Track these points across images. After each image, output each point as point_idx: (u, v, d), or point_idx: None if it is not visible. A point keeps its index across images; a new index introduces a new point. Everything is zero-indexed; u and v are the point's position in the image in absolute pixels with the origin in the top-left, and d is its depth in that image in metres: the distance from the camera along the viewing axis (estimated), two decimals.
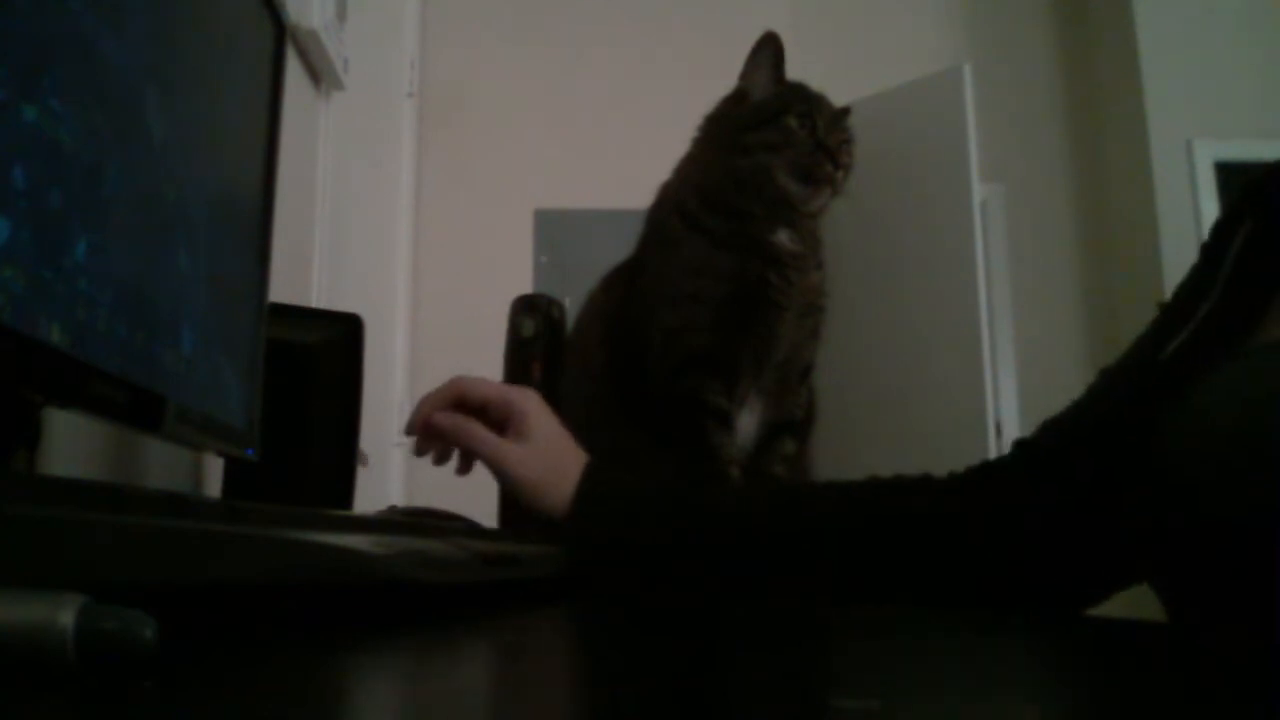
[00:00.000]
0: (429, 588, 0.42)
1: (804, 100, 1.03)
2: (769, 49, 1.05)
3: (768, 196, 1.00)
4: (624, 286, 1.06)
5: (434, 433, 0.77)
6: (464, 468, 0.79)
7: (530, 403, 0.78)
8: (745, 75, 1.05)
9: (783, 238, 1.01)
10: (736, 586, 0.73)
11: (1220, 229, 0.68)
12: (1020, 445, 0.74)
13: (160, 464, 0.96)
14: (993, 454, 2.49)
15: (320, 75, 1.82)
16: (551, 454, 0.76)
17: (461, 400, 0.78)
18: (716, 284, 0.99)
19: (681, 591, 0.73)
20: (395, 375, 2.82)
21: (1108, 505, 0.64)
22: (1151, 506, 0.59)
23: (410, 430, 0.78)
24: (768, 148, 1.00)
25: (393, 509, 0.88)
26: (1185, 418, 0.57)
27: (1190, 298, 0.65)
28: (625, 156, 2.90)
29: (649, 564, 0.74)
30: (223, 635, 0.31)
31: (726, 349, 0.98)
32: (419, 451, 0.79)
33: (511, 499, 0.79)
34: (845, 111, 1.08)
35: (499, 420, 0.77)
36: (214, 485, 1.01)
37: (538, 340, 1.10)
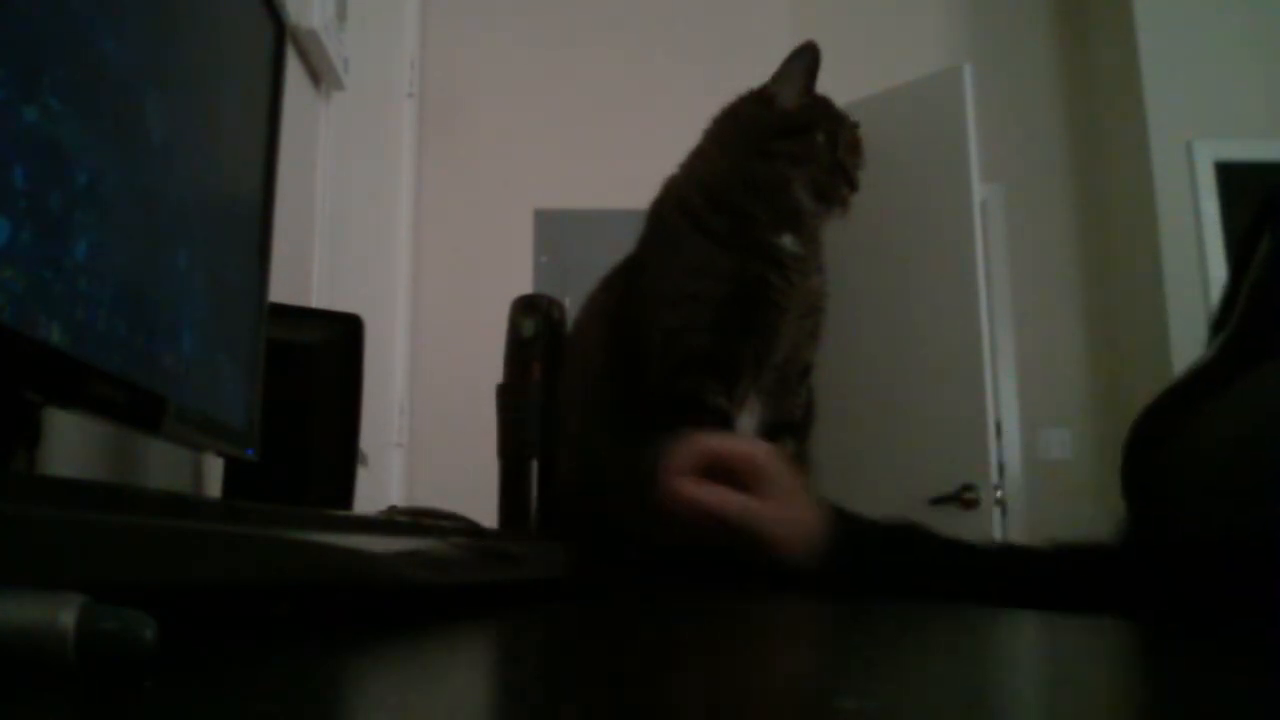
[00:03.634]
0: (429, 588, 0.42)
1: (832, 118, 1.03)
2: (806, 58, 1.03)
3: (779, 206, 1.00)
4: (624, 286, 1.06)
5: (693, 507, 0.76)
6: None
7: (770, 458, 0.78)
8: (777, 79, 1.04)
9: (786, 241, 1.01)
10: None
11: (1242, 244, 0.67)
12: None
13: (160, 464, 0.96)
14: (993, 454, 2.50)
15: (320, 75, 1.82)
16: (793, 506, 0.76)
17: (704, 460, 0.77)
18: (717, 284, 0.99)
19: (680, 591, 0.73)
20: (395, 375, 2.82)
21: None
22: (1157, 520, 0.60)
23: (671, 507, 0.76)
24: (791, 159, 1.00)
25: (393, 509, 0.87)
26: (1192, 434, 0.57)
27: (1220, 316, 0.65)
28: (625, 156, 2.90)
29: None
30: (223, 635, 0.31)
31: (726, 349, 0.98)
32: (687, 533, 0.77)
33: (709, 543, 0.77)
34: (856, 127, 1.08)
35: (733, 473, 0.77)
36: (214, 485, 1.01)
37: (538, 340, 1.10)
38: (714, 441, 0.79)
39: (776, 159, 1.00)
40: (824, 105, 1.05)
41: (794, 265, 1.01)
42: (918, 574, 0.75)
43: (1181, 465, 0.57)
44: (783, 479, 0.77)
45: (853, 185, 1.02)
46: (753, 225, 1.00)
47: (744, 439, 0.80)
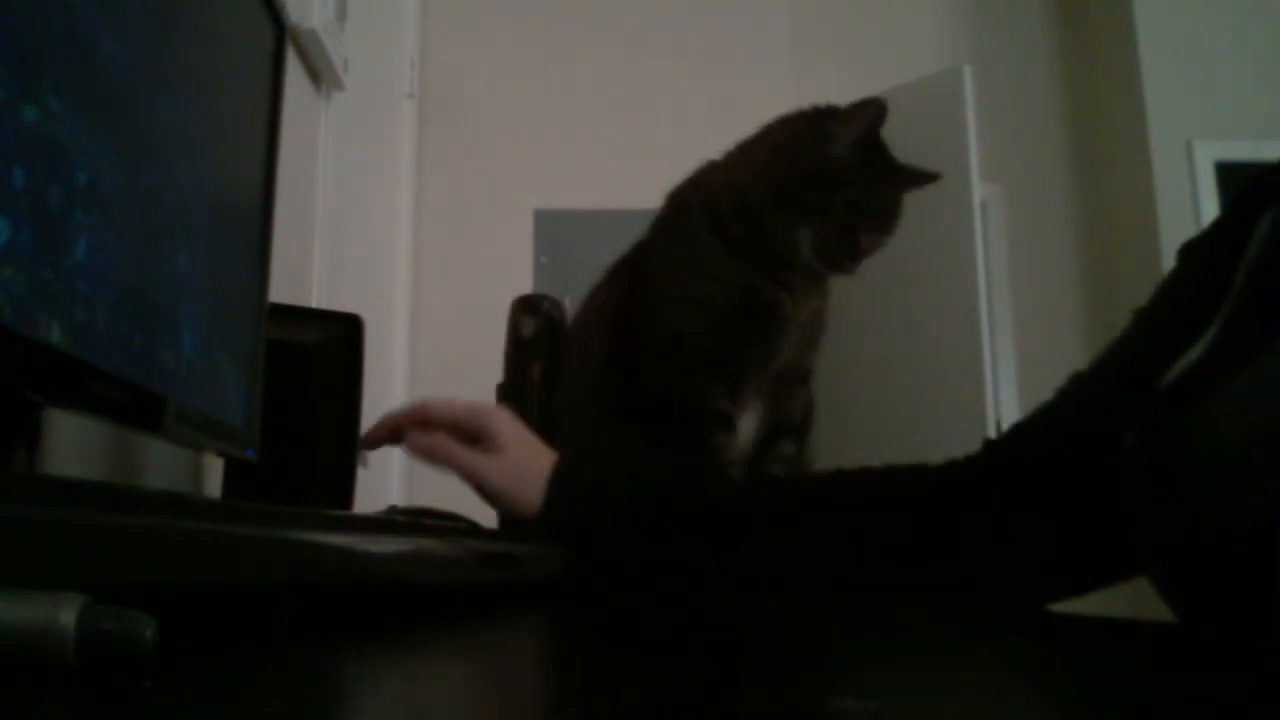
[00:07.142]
0: (429, 588, 0.42)
1: (873, 182, 1.01)
2: (870, 113, 1.00)
3: (787, 244, 0.99)
4: (629, 281, 1.06)
5: (413, 452, 0.82)
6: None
7: (498, 416, 0.82)
8: (844, 119, 1.01)
9: (803, 240, 1.00)
10: (698, 576, 0.76)
11: (1220, 237, 0.67)
12: (988, 445, 0.76)
13: (160, 464, 0.96)
14: None
15: (320, 75, 1.82)
16: (522, 459, 0.80)
17: (427, 421, 0.82)
18: (723, 290, 0.98)
19: (677, 591, 0.73)
20: (395, 375, 2.82)
21: (1076, 513, 0.67)
22: (1157, 517, 0.59)
23: (366, 444, 0.87)
24: (814, 211, 0.98)
25: (393, 509, 0.88)
26: (1196, 429, 0.57)
27: (1193, 308, 0.64)
28: (625, 156, 2.91)
29: (618, 555, 0.77)
30: (223, 635, 0.31)
31: (729, 354, 0.98)
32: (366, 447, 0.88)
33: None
34: (931, 177, 1.08)
35: (470, 437, 0.81)
36: (214, 485, 1.01)
37: (538, 340, 1.10)
38: (437, 405, 0.83)
39: (802, 211, 0.99)
40: (872, 164, 1.01)
41: (801, 284, 1.00)
42: (628, 525, 0.77)
43: (1191, 453, 0.57)
44: (510, 434, 0.80)
45: (855, 258, 1.01)
46: (768, 242, 0.99)
47: (469, 402, 0.84)
